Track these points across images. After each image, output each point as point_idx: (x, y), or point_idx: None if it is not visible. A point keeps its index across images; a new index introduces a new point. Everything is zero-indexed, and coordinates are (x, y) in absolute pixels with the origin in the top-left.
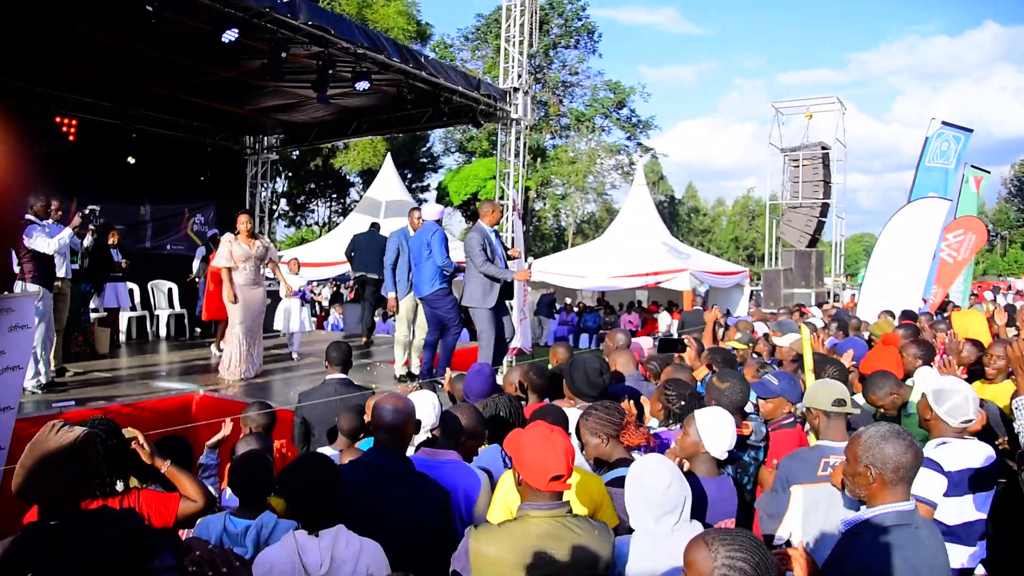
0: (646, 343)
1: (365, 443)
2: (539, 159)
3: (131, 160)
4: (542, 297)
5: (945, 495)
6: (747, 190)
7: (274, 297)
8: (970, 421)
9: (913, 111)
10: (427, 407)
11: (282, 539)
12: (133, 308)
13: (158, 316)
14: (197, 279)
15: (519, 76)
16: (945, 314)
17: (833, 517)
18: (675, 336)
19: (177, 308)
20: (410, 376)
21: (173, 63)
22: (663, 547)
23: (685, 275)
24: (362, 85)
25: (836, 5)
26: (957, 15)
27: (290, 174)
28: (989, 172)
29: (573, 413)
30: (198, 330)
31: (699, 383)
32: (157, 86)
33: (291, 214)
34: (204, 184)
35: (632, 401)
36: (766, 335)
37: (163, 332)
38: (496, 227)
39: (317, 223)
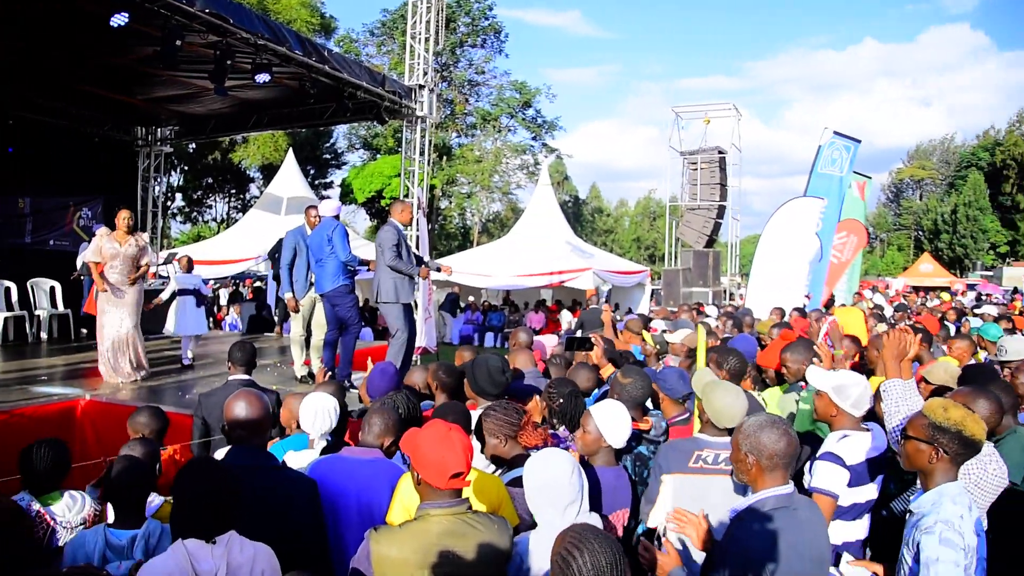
0: (550, 341)
1: (277, 446)
2: (445, 157)
3: (9, 149)
4: (447, 295)
5: (848, 486)
6: (648, 191)
7: (152, 296)
8: (870, 410)
9: (803, 119)
10: (326, 409)
11: (170, 548)
12: (10, 308)
13: (39, 316)
14: (82, 276)
15: (425, 73)
16: (829, 311)
17: (705, 508)
18: (576, 334)
19: (60, 308)
20: (311, 376)
21: (57, 46)
22: None
23: (588, 274)
24: (262, 77)
25: (732, 14)
26: (841, 31)
27: (186, 168)
28: (870, 177)
29: (476, 415)
30: (84, 331)
31: (606, 381)
32: (38, 70)
33: (187, 210)
34: (91, 177)
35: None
36: (663, 332)
37: (44, 334)
38: (406, 226)
39: (215, 219)
